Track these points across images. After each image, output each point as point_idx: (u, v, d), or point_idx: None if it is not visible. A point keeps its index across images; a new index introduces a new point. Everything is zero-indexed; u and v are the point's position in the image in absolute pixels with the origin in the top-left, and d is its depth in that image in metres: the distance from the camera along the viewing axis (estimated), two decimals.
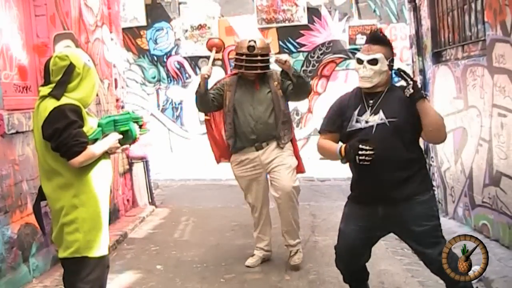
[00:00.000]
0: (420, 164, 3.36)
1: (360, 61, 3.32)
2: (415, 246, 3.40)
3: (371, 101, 3.31)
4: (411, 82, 3.17)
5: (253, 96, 4.87)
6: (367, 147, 3.10)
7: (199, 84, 4.84)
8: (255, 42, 4.80)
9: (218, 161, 5.32)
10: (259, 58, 4.78)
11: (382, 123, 3.24)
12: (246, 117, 4.84)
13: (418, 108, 3.17)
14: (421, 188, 3.31)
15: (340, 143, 3.32)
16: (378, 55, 3.27)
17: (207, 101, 4.88)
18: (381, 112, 3.26)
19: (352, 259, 3.52)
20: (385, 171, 3.21)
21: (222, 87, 4.97)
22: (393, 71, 3.33)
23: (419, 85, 3.34)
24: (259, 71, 4.81)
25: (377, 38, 3.35)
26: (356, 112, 3.33)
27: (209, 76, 4.86)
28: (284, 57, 4.74)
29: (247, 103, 4.86)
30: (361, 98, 3.36)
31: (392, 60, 3.35)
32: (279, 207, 4.94)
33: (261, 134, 4.84)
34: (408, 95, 3.17)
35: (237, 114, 4.87)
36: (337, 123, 3.42)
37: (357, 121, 3.31)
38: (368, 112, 3.30)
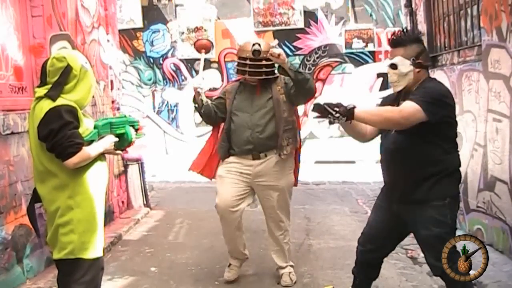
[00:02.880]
0: (436, 169, 3.27)
1: (387, 68, 3.39)
2: (421, 249, 3.49)
3: (402, 102, 3.34)
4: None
5: (252, 102, 4.50)
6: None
7: (194, 97, 4.59)
8: (259, 45, 4.37)
9: (195, 170, 4.91)
10: (263, 62, 4.39)
11: None
12: (242, 125, 4.47)
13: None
14: (435, 194, 3.27)
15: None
16: (396, 59, 3.32)
17: (209, 113, 4.59)
18: None
19: (371, 241, 3.62)
20: (397, 170, 3.37)
21: (223, 96, 4.64)
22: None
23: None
24: (263, 77, 4.44)
25: (394, 41, 3.40)
26: None
27: (202, 89, 4.58)
28: (277, 50, 4.24)
29: (245, 110, 4.49)
30: (395, 100, 3.42)
31: (419, 56, 3.31)
32: (267, 226, 4.72)
33: (258, 144, 4.44)
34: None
35: (233, 122, 4.51)
36: None
37: None
38: None
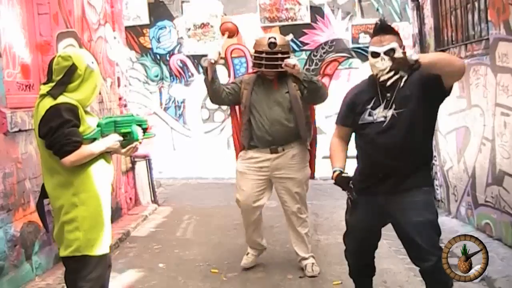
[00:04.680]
0: (427, 158, 3.39)
1: (376, 55, 3.14)
2: (409, 236, 3.23)
3: (388, 94, 3.21)
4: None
5: (270, 97, 4.63)
6: (353, 195, 3.31)
7: (206, 70, 4.54)
8: (275, 38, 4.55)
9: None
10: (279, 56, 4.52)
11: (392, 116, 3.21)
12: (261, 118, 4.61)
13: (425, 68, 2.94)
14: (424, 180, 3.32)
15: (337, 167, 3.52)
16: (394, 44, 3.10)
17: (217, 91, 4.62)
18: (393, 106, 3.21)
19: (363, 250, 3.56)
20: (394, 161, 3.21)
21: (239, 84, 4.73)
22: None
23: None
24: (279, 69, 4.54)
25: (387, 27, 3.20)
26: (369, 106, 3.27)
27: (215, 62, 4.52)
28: (292, 61, 4.46)
29: (264, 103, 4.62)
30: (377, 90, 3.25)
31: (404, 48, 3.18)
32: (287, 220, 4.84)
33: (277, 137, 4.60)
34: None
35: (253, 115, 4.65)
36: (350, 118, 3.40)
37: (369, 115, 3.28)
38: (382, 105, 3.24)
